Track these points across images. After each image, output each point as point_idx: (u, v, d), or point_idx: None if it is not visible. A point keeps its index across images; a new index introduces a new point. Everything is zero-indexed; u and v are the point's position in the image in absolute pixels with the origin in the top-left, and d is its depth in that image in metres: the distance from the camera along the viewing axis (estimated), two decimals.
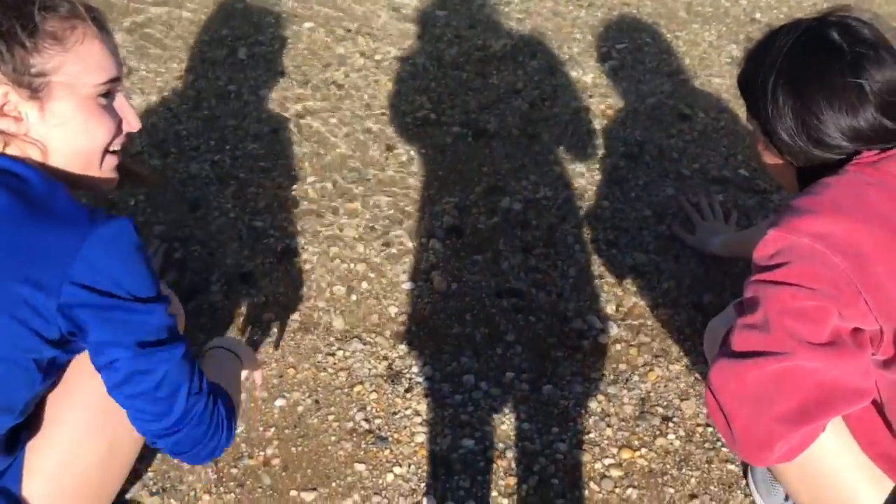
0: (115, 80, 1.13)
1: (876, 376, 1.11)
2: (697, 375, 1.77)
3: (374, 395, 1.71)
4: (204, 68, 2.47)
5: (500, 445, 1.64)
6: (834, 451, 1.19)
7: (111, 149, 1.14)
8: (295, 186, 2.14)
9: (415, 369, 1.77)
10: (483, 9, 2.70)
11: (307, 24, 2.63)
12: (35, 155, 1.08)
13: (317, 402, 1.70)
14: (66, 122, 1.08)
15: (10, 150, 1.08)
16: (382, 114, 2.34)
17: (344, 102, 2.37)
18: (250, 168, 2.18)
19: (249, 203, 2.09)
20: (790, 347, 1.07)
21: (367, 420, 1.68)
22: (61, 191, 1.07)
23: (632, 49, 2.57)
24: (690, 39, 2.60)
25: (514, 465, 1.61)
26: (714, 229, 2.02)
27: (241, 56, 2.51)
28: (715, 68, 2.51)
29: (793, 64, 1.17)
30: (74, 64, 1.08)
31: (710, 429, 1.68)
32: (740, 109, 2.37)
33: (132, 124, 1.16)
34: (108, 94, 1.12)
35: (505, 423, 1.68)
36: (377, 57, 2.52)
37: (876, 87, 1.13)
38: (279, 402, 1.69)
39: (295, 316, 1.86)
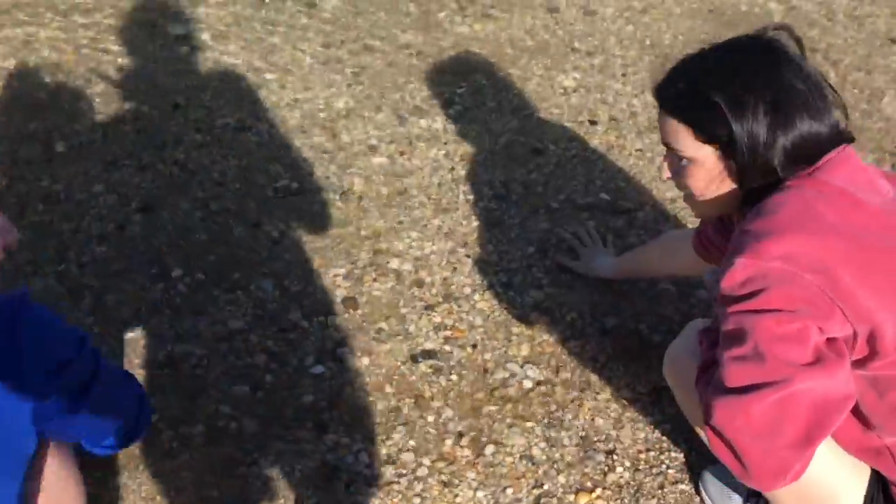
0: None
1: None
2: (625, 402, 1.78)
3: (314, 500, 1.56)
4: (19, 170, 2.17)
5: None
6: (819, 456, 1.23)
7: None
8: (161, 285, 1.92)
9: (349, 459, 1.63)
10: (314, 69, 2.61)
11: (128, 104, 2.40)
12: None
13: None
14: None
15: None
16: (238, 189, 2.18)
17: (191, 184, 2.18)
18: (104, 273, 1.93)
19: (112, 313, 1.85)
20: (786, 374, 1.08)
21: None
22: None
23: (471, 91, 2.59)
24: (521, 75, 2.67)
25: None
26: (596, 253, 2.06)
27: (60, 149, 2.24)
28: (552, 100, 2.59)
29: (762, 76, 1.18)
30: None
31: (651, 453, 1.69)
32: (586, 136, 2.47)
33: (7, 231, 1.00)
34: None
35: (459, 496, 1.59)
36: (216, 130, 2.35)
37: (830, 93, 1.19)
38: None
39: (198, 429, 1.65)
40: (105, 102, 2.41)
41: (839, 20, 3.06)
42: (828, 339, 1.11)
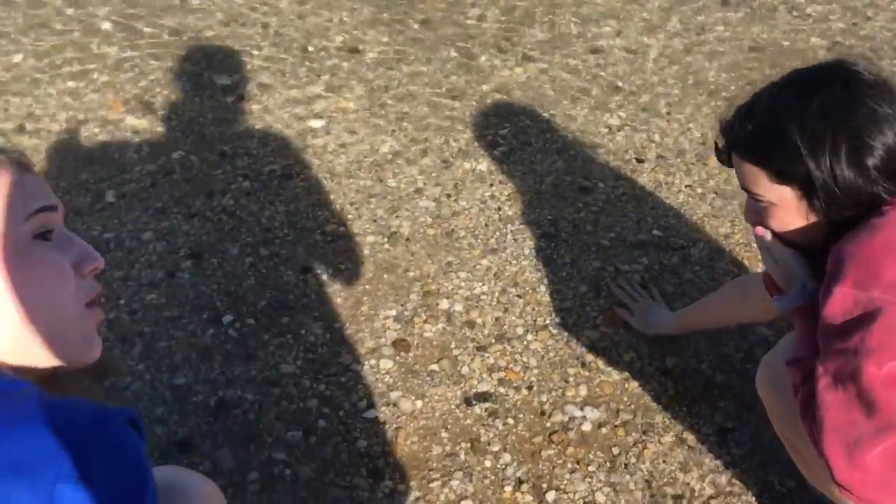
0: (47, 210, 0.87)
1: None
2: (690, 444, 1.71)
3: None
4: (71, 220, 2.18)
5: None
6: None
7: (80, 301, 0.90)
8: (212, 331, 1.90)
9: None
10: (358, 115, 2.63)
11: (176, 154, 2.42)
12: None
13: None
14: (3, 280, 0.82)
15: None
16: (286, 235, 2.17)
17: (240, 230, 2.18)
18: (154, 320, 1.92)
19: (164, 360, 1.84)
20: (891, 420, 1.06)
21: None
22: (28, 398, 0.84)
23: (515, 132, 2.58)
24: (565, 115, 2.66)
25: None
26: (650, 309, 1.96)
27: (110, 199, 2.26)
28: (597, 139, 2.57)
29: (841, 108, 1.12)
30: None
31: (721, 497, 1.61)
32: (633, 175, 2.43)
33: (91, 258, 0.90)
34: (47, 236, 0.87)
35: None
36: (263, 177, 2.35)
37: None
38: None
39: (252, 476, 1.62)
40: (153, 153, 2.44)
41: (885, 53, 3.02)
42: None
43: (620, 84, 2.82)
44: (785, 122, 1.14)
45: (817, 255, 1.20)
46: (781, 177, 1.16)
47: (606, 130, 2.61)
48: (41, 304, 0.86)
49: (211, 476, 1.58)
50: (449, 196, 2.33)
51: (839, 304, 1.07)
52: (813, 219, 1.19)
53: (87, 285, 0.89)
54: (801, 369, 1.19)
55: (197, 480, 1.10)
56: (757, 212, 1.25)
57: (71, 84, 2.71)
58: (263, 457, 1.65)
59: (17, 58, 2.81)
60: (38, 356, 0.88)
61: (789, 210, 1.19)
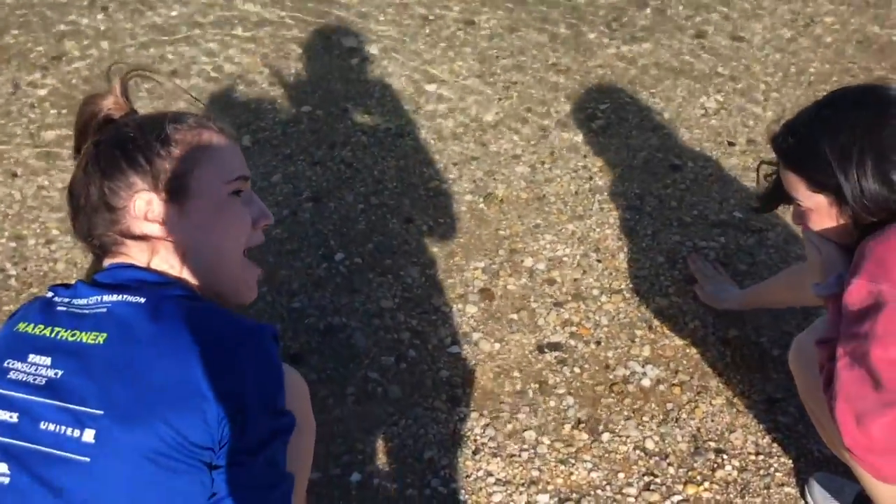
0: (243, 179, 1.19)
1: None
2: (739, 408, 1.88)
3: (444, 461, 1.77)
4: None
5: (575, 496, 1.71)
6: None
7: (248, 246, 1.19)
8: (325, 265, 2.20)
9: (477, 430, 1.83)
10: (469, 82, 2.85)
11: (305, 107, 2.72)
12: (176, 260, 1.14)
13: (392, 472, 1.74)
14: (203, 219, 1.14)
15: (155, 259, 1.13)
16: (395, 187, 2.43)
17: (355, 180, 2.46)
18: (277, 252, 2.23)
19: (284, 286, 2.14)
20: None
21: (443, 485, 1.73)
22: (208, 303, 1.13)
23: (614, 108, 2.75)
24: (664, 95, 2.80)
25: None
26: (721, 284, 2.12)
27: (246, 143, 2.57)
28: (692, 120, 2.70)
29: (867, 127, 1.26)
30: (205, 165, 1.16)
31: (760, 457, 1.79)
32: (723, 157, 2.56)
33: (266, 217, 1.22)
34: (239, 193, 1.19)
35: (574, 474, 1.75)
36: (379, 133, 2.62)
37: None
38: (355, 478, 1.73)
39: (350, 390, 1.90)
40: (285, 104, 2.74)
41: None
42: None
43: (721, 69, 2.92)
44: (819, 137, 1.30)
45: (852, 250, 1.35)
46: (817, 186, 1.33)
47: (702, 112, 2.74)
48: (225, 242, 1.17)
49: (315, 386, 1.89)
50: (544, 163, 2.53)
51: (856, 293, 1.23)
52: (844, 222, 1.34)
53: (256, 236, 1.19)
54: (828, 349, 1.35)
55: (287, 370, 1.28)
56: (799, 215, 1.44)
57: (217, 37, 3.03)
58: (360, 375, 1.93)
59: (174, 13, 3.16)
60: (215, 283, 1.17)
61: (824, 215, 1.36)
